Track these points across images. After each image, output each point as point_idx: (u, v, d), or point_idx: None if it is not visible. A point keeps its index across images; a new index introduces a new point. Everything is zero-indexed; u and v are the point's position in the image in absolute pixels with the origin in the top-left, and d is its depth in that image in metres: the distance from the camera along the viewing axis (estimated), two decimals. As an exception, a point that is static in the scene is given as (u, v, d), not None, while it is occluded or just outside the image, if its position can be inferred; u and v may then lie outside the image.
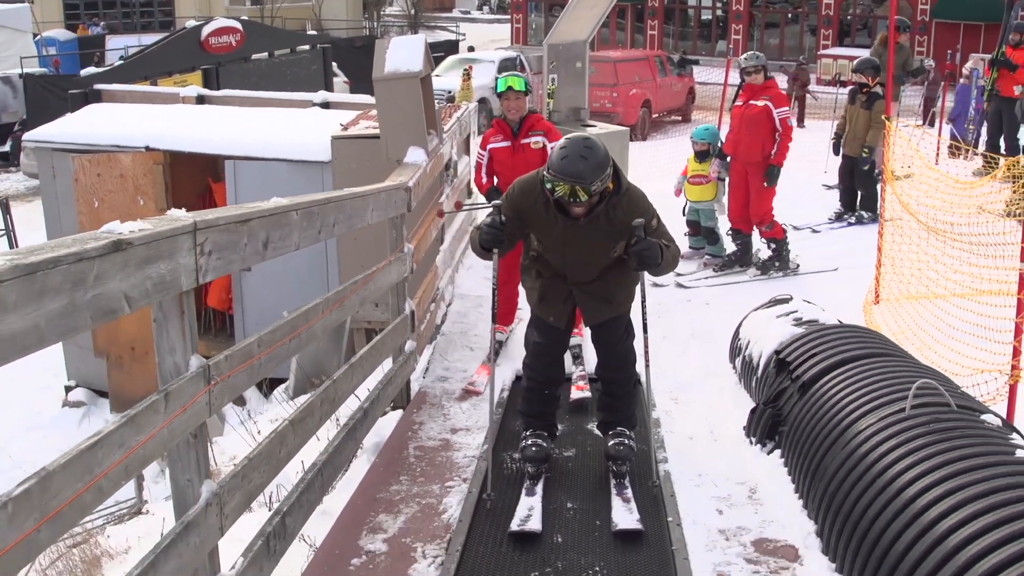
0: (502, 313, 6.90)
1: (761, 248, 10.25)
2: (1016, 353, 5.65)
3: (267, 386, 9.80)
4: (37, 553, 2.38)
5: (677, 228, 9.44)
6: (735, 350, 7.12)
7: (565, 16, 14.30)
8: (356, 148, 9.16)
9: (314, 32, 37.57)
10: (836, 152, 12.53)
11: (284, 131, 10.80)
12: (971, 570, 3.31)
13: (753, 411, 5.91)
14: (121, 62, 22.16)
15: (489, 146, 7.46)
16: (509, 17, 49.75)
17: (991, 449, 4.02)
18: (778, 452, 5.50)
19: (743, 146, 9.90)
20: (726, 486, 5.35)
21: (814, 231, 11.88)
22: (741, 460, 5.66)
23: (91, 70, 20.68)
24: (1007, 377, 5.70)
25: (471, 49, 36.52)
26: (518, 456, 5.46)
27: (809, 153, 13.65)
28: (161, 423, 2.94)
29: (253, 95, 13.40)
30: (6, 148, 26.66)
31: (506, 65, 27.23)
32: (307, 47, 25.18)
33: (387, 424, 6.31)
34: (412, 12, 57.81)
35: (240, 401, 9.36)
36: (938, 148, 14.21)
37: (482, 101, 24.51)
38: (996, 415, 4.60)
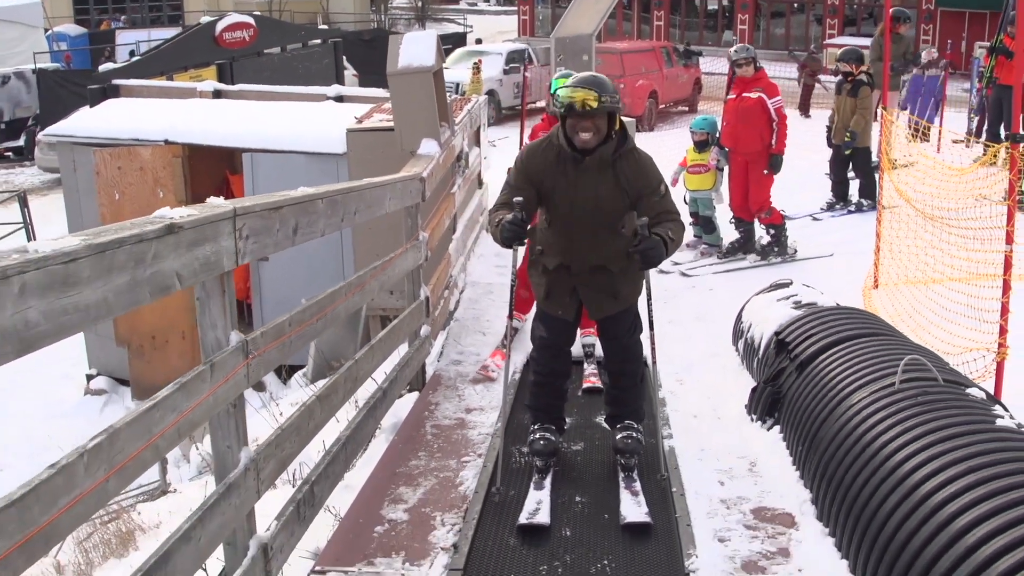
0: (521, 301, 7.18)
1: (761, 235, 10.50)
2: (1002, 332, 5.93)
3: (286, 372, 10.11)
4: (105, 502, 2.68)
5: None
6: (737, 333, 7.40)
7: (572, 10, 14.60)
8: (370, 140, 9.46)
9: (325, 26, 37.85)
10: (830, 144, 12.64)
11: (300, 124, 11.10)
12: (951, 525, 3.58)
13: (754, 390, 6.20)
14: (138, 58, 22.47)
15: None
16: (516, 9, 49.98)
17: (973, 419, 4.30)
18: (777, 428, 5.77)
19: (742, 139, 10.11)
20: (727, 460, 5.63)
21: (814, 219, 12.09)
22: (742, 436, 5.94)
23: (109, 66, 21.04)
24: (995, 355, 5.98)
25: (479, 41, 36.78)
26: (526, 450, 5.52)
27: (812, 143, 13.86)
28: (207, 391, 3.23)
29: (268, 89, 13.67)
30: (20, 143, 27.00)
31: (514, 57, 27.52)
32: (318, 41, 25.48)
33: (404, 405, 6.59)
34: (419, 4, 58.03)
35: (260, 386, 9.66)
36: (940, 136, 14.42)
37: (490, 93, 24.80)
38: (981, 388, 4.87)
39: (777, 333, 6.36)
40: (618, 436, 5.40)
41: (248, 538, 3.72)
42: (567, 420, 5.80)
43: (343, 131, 10.00)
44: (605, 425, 5.78)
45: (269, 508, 4.15)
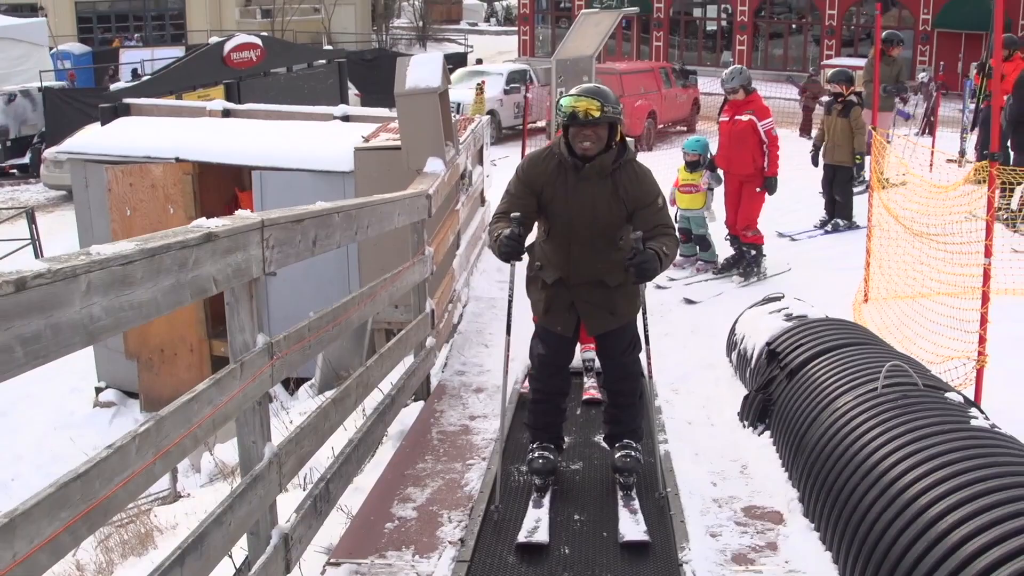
0: None
1: (747, 252, 10.70)
2: (982, 341, 6.23)
3: (294, 384, 10.39)
4: (152, 483, 2.96)
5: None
6: (731, 344, 7.69)
7: (572, 33, 14.94)
8: (377, 159, 9.77)
9: (330, 47, 38.28)
10: (815, 163, 12.82)
11: (307, 143, 11.41)
12: (923, 515, 3.87)
13: (746, 397, 6.49)
14: (148, 77, 22.84)
15: None
16: (516, 29, 50.42)
17: (950, 419, 4.58)
18: (768, 433, 6.06)
19: (734, 161, 10.35)
20: (720, 463, 5.92)
21: (793, 240, 12.24)
22: (734, 441, 6.23)
23: (120, 84, 21.40)
24: (975, 363, 6.28)
25: (479, 61, 37.22)
26: (525, 469, 5.55)
27: (808, 163, 14.15)
28: (237, 388, 3.52)
29: (276, 108, 13.99)
30: (26, 160, 27.31)
31: (514, 77, 27.91)
32: (324, 62, 25.89)
33: (410, 414, 6.86)
34: (420, 24, 58.53)
35: (269, 398, 9.93)
36: (932, 156, 14.71)
37: (491, 113, 25.15)
38: (959, 393, 5.16)
39: (768, 343, 6.65)
40: (617, 455, 5.42)
41: (270, 528, 4.00)
42: (566, 439, 5.84)
43: (350, 150, 10.31)
44: (604, 444, 5.81)
45: (284, 511, 4.42)
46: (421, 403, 7.11)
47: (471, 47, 49.28)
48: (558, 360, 5.47)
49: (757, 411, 6.23)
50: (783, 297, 7.62)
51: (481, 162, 12.37)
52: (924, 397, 4.91)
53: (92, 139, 12.74)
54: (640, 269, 4.86)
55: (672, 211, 10.95)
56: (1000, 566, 3.39)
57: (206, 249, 3.19)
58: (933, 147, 15.16)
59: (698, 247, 11.12)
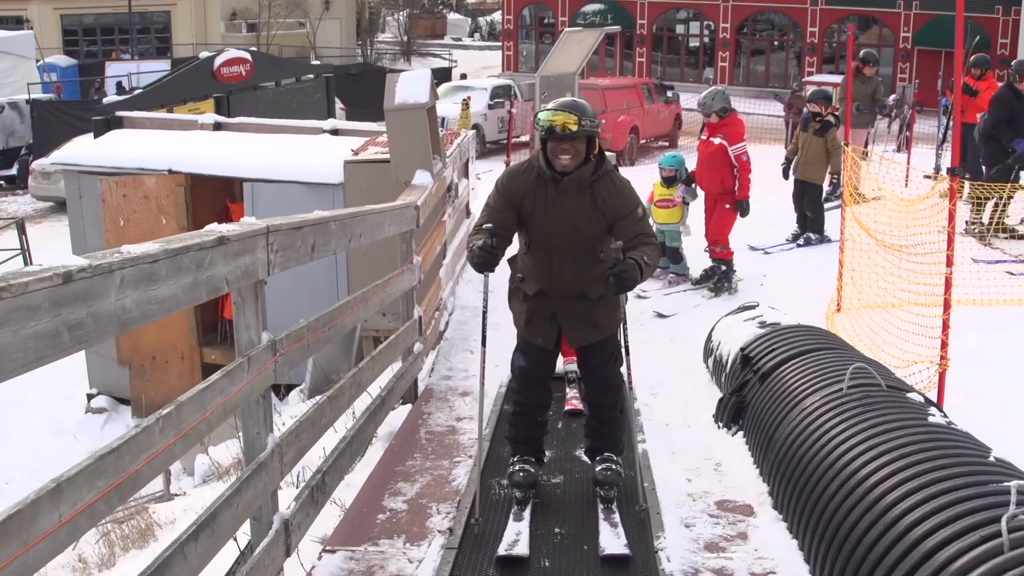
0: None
1: (717, 267, 10.95)
2: (944, 346, 6.56)
3: (284, 390, 10.65)
4: (172, 462, 3.24)
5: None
6: (708, 351, 8.00)
7: (556, 51, 15.29)
8: (366, 171, 10.08)
9: (317, 62, 38.60)
10: (785, 176, 13.04)
11: (298, 155, 11.69)
12: (881, 501, 4.17)
13: (721, 400, 6.81)
14: (140, 91, 23.12)
15: None
16: (500, 44, 50.76)
17: (909, 416, 4.90)
18: (741, 433, 6.38)
19: (706, 181, 10.68)
20: (695, 461, 6.23)
21: (766, 253, 12.50)
22: (709, 441, 6.54)
23: (113, 98, 21.65)
24: (937, 367, 6.61)
25: (463, 76, 37.54)
26: (506, 482, 5.57)
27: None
28: (245, 380, 3.80)
29: (267, 122, 14.25)
30: (13, 172, 27.51)
31: (498, 92, 28.26)
32: (311, 76, 26.19)
33: (398, 416, 7.13)
34: (405, 39, 58.82)
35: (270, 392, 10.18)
36: (907, 172, 15.05)
37: (475, 127, 25.47)
38: (920, 393, 5.48)
39: (743, 349, 6.97)
40: (598, 468, 5.44)
41: (272, 514, 4.27)
42: (547, 452, 5.87)
43: (340, 162, 10.61)
44: (584, 457, 5.86)
45: (282, 505, 4.69)
46: (409, 406, 7.38)
47: (455, 62, 49.66)
48: (539, 372, 5.47)
49: (731, 413, 6.55)
50: (758, 306, 7.94)
51: (467, 175, 12.66)
52: (886, 397, 5.23)
53: (86, 151, 13.00)
54: (620, 279, 4.85)
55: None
56: (946, 545, 3.70)
57: (219, 251, 3.48)
58: (908, 163, 15.52)
59: (670, 260, 11.35)
